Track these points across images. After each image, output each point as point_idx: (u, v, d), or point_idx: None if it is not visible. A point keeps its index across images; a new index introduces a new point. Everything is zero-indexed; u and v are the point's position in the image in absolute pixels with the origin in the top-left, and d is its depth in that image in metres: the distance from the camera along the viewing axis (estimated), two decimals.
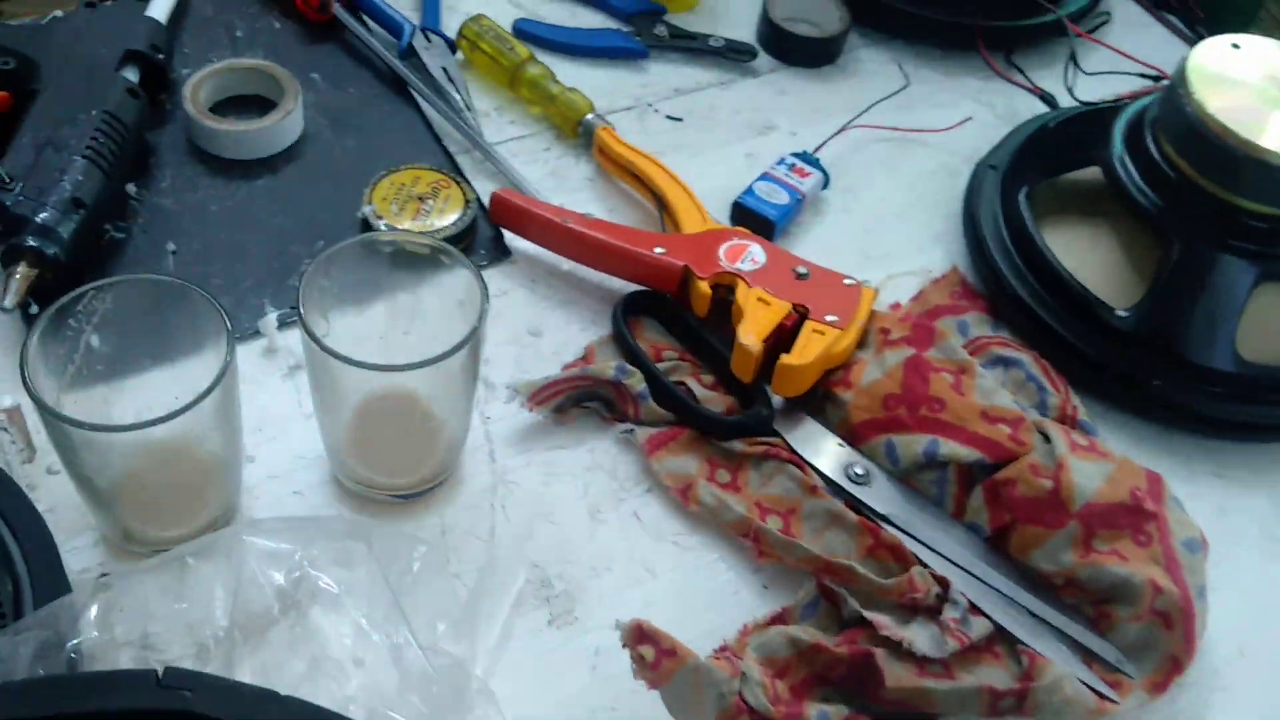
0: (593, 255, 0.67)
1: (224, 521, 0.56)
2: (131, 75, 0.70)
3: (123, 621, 0.44)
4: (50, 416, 0.48)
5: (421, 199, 0.68)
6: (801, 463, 0.59)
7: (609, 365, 0.61)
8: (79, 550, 0.54)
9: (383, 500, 0.58)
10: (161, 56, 0.72)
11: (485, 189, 0.71)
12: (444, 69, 0.77)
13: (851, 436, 0.60)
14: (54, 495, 0.56)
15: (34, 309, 0.61)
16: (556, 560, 0.57)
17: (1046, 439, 0.58)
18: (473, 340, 0.53)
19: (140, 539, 0.55)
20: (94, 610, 0.42)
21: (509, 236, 0.69)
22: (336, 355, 0.50)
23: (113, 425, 0.48)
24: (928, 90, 0.82)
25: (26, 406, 0.59)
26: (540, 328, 0.66)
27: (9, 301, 0.59)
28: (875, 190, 0.75)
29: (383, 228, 0.66)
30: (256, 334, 0.63)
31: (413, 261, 0.56)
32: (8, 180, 0.62)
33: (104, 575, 0.54)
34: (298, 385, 0.61)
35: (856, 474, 0.59)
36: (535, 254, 0.69)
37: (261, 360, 0.63)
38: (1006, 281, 0.68)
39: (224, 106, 0.74)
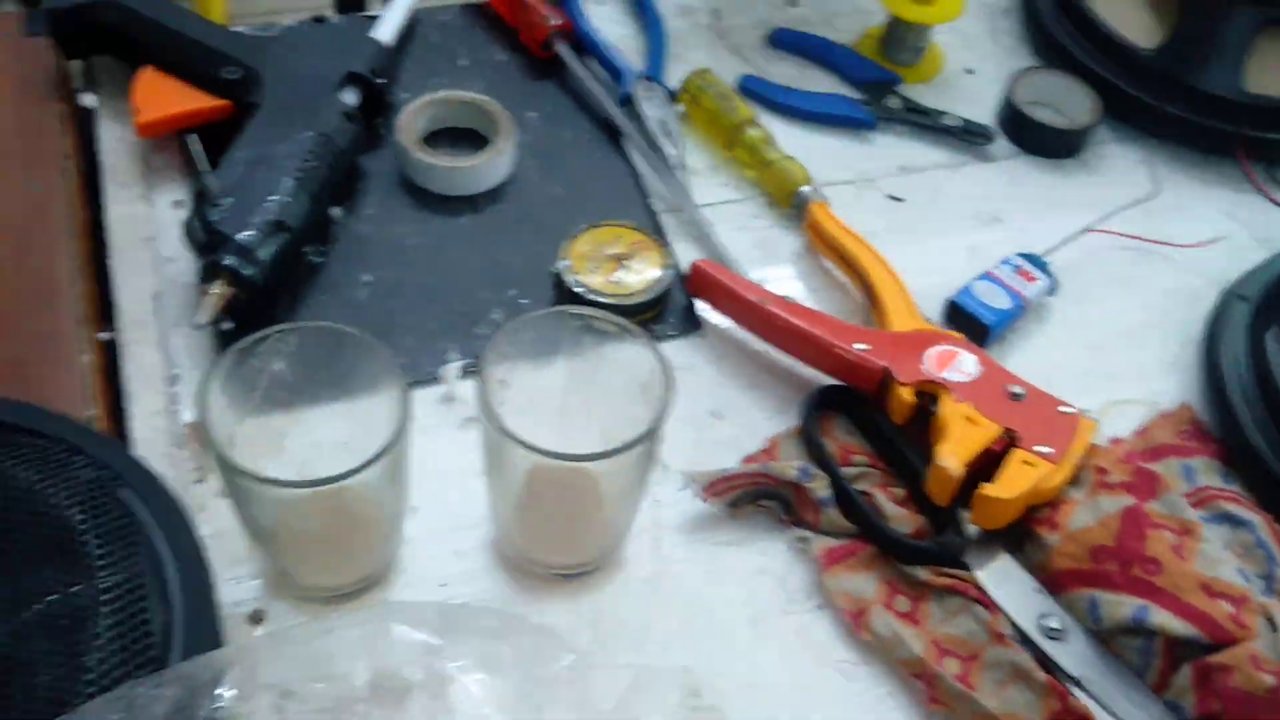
0: (789, 342, 0.63)
1: (380, 574, 0.54)
2: (350, 98, 0.69)
3: (264, 678, 0.43)
4: (226, 467, 0.47)
5: (619, 259, 0.66)
6: (990, 604, 0.54)
7: (792, 465, 0.58)
8: (236, 582, 0.54)
9: (541, 575, 0.56)
10: (383, 81, 0.71)
11: (685, 252, 0.68)
12: (662, 121, 0.74)
13: (1050, 583, 0.55)
14: (220, 520, 0.55)
15: (226, 325, 0.61)
16: (709, 668, 0.53)
17: (1273, 625, 0.51)
18: (652, 434, 0.50)
19: (296, 582, 0.53)
20: (235, 673, 0.40)
21: (701, 307, 0.66)
22: (513, 437, 0.48)
23: (283, 480, 0.46)
24: (1177, 197, 0.75)
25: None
26: (723, 410, 0.62)
27: (202, 319, 0.59)
28: (1106, 304, 0.69)
29: (574, 284, 0.64)
30: (435, 380, 0.62)
31: (601, 332, 0.54)
32: (217, 195, 0.62)
33: (256, 611, 0.53)
34: (471, 439, 0.59)
35: (1051, 627, 0.54)
36: (726, 328, 0.66)
37: (438, 408, 0.61)
38: (1245, 430, 0.61)
39: (438, 136, 0.73)
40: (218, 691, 0.40)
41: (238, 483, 0.48)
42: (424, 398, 0.61)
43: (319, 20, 0.74)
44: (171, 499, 0.53)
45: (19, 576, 0.48)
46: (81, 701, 0.45)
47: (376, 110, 0.72)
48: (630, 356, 0.53)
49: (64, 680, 0.46)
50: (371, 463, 0.47)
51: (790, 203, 0.71)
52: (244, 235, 0.61)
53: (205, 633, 0.49)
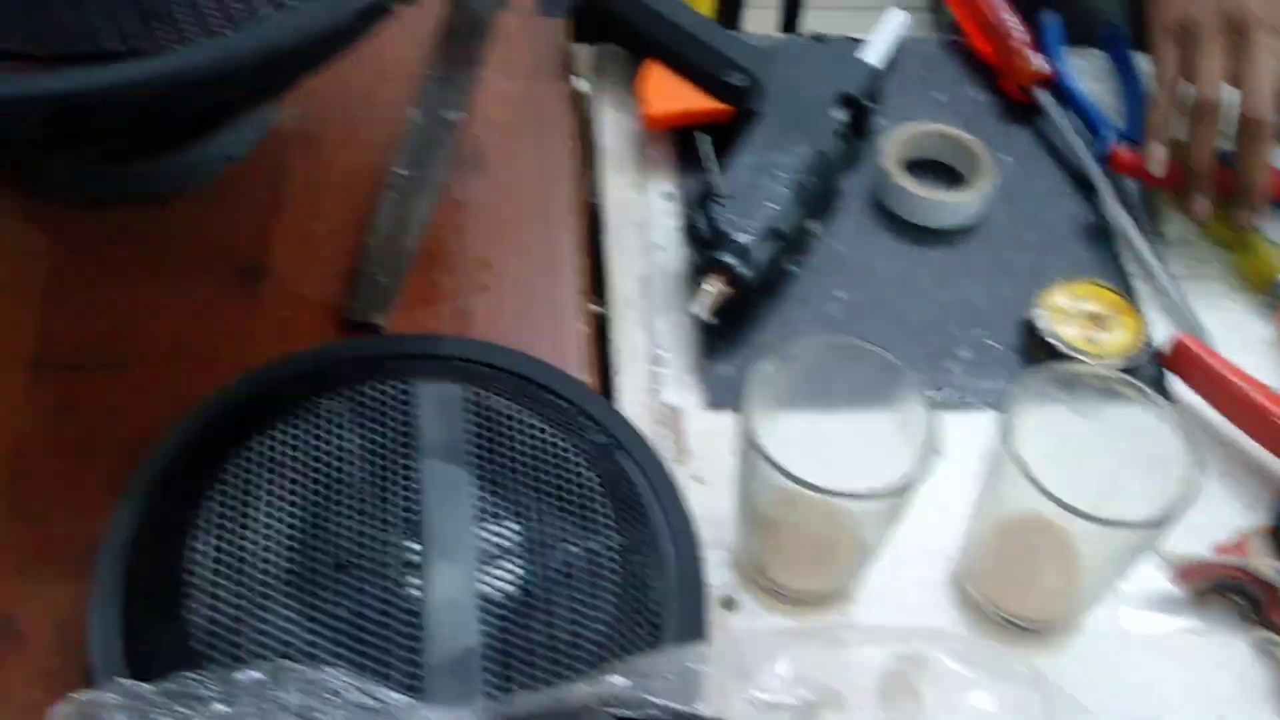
0: (1272, 437, 0.61)
1: (848, 589, 0.56)
2: (841, 117, 0.71)
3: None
4: (756, 456, 0.49)
5: (1096, 318, 0.65)
6: None
7: (1270, 565, 0.56)
8: (709, 566, 0.56)
9: (994, 620, 0.56)
10: (871, 105, 0.73)
11: (1156, 322, 0.67)
12: (1139, 184, 0.73)
13: None
14: (694, 504, 0.57)
15: (712, 320, 0.63)
16: None
17: None
18: (1168, 518, 0.49)
19: (769, 577, 0.56)
20: (774, 665, 0.42)
21: (1173, 381, 0.65)
22: (1035, 481, 0.48)
23: (814, 484, 0.48)
24: None
25: (684, 412, 0.62)
26: None
27: (700, 311, 0.62)
28: None
29: (1049, 334, 0.64)
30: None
31: (1110, 393, 0.53)
32: (723, 195, 0.65)
33: (728, 598, 0.55)
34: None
35: None
36: (1195, 407, 0.64)
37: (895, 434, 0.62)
38: None
39: (910, 167, 0.74)
40: (769, 667, 0.42)
41: (760, 472, 0.50)
42: (879, 421, 0.62)
43: (818, 39, 0.76)
44: (668, 474, 0.56)
45: (544, 523, 0.52)
46: (593, 650, 0.48)
47: (860, 132, 0.74)
48: (1140, 425, 0.52)
49: (580, 625, 0.49)
50: (905, 488, 0.48)
51: (1268, 290, 0.69)
52: (743, 237, 0.63)
53: (694, 606, 0.52)
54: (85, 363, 0.60)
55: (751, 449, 0.50)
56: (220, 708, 0.41)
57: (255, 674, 0.43)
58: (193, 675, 0.43)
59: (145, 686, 0.43)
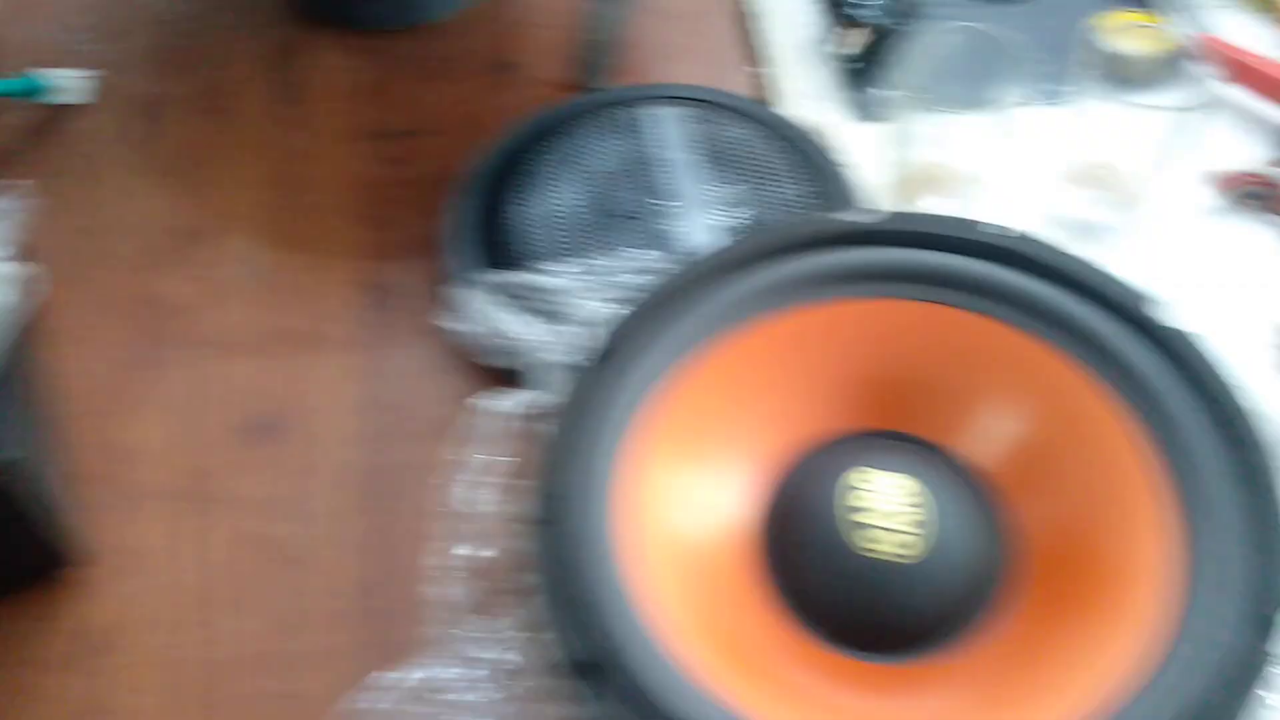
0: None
1: None
2: None
3: None
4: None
5: (1140, 32, 0.85)
6: None
7: (1275, 172, 0.76)
8: None
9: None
10: None
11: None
12: None
13: None
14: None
15: None
16: None
17: None
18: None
19: None
20: None
21: None
22: None
23: None
24: None
25: (839, 125, 0.84)
26: None
27: (849, 49, 0.84)
28: None
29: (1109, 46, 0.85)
30: None
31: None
32: None
33: None
34: None
35: None
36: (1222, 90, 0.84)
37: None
38: None
39: None
40: None
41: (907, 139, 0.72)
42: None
43: None
44: (829, 153, 0.79)
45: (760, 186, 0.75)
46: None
47: None
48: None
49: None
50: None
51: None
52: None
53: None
54: (406, 131, 0.84)
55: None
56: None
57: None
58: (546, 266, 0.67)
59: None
